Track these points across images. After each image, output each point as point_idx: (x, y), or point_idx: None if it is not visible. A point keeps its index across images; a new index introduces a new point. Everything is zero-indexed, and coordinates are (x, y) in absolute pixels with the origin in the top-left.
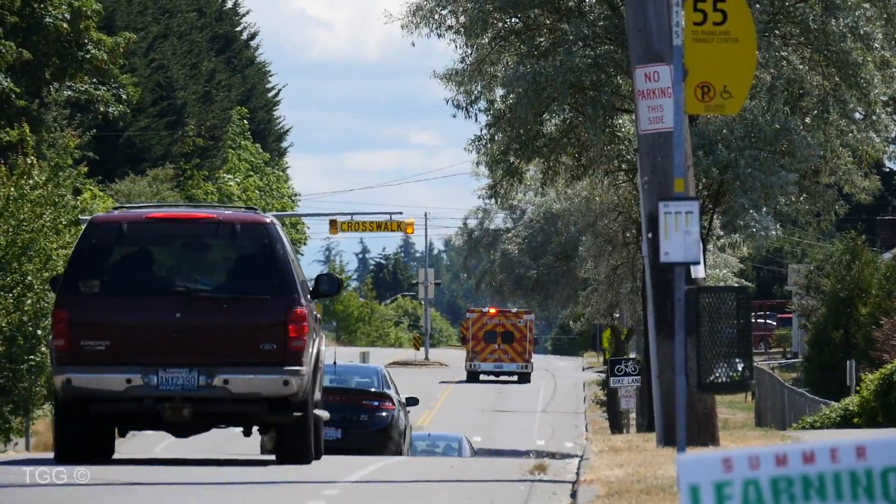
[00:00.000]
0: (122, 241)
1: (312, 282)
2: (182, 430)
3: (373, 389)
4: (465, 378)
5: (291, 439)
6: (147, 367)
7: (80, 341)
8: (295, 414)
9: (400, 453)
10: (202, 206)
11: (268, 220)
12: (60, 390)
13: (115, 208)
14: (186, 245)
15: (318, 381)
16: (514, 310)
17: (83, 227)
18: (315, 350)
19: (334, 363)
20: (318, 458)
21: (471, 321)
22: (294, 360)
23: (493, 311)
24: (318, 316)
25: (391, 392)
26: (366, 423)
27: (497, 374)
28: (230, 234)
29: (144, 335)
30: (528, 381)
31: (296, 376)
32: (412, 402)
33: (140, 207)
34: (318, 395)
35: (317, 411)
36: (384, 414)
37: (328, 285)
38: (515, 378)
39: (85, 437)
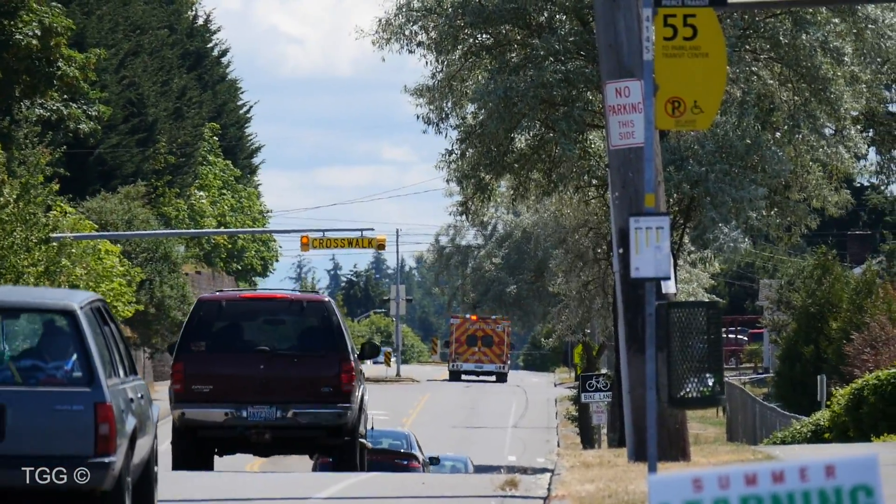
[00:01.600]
0: (221, 314)
1: (359, 347)
2: (264, 451)
3: (402, 451)
4: (438, 387)
5: (344, 458)
6: (239, 404)
7: (191, 385)
8: (346, 439)
9: None
10: (279, 290)
11: (326, 300)
12: (177, 420)
13: (217, 291)
14: (268, 317)
15: (362, 417)
16: (494, 316)
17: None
18: (360, 394)
19: (372, 428)
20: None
21: (454, 326)
22: (345, 400)
23: (474, 317)
24: (363, 370)
25: (417, 452)
26: None
27: (477, 373)
28: (300, 310)
29: (237, 381)
30: (505, 381)
31: (347, 411)
32: (434, 461)
33: (234, 290)
34: (362, 429)
35: (361, 440)
36: (415, 469)
37: (370, 351)
38: (493, 378)
39: (194, 455)
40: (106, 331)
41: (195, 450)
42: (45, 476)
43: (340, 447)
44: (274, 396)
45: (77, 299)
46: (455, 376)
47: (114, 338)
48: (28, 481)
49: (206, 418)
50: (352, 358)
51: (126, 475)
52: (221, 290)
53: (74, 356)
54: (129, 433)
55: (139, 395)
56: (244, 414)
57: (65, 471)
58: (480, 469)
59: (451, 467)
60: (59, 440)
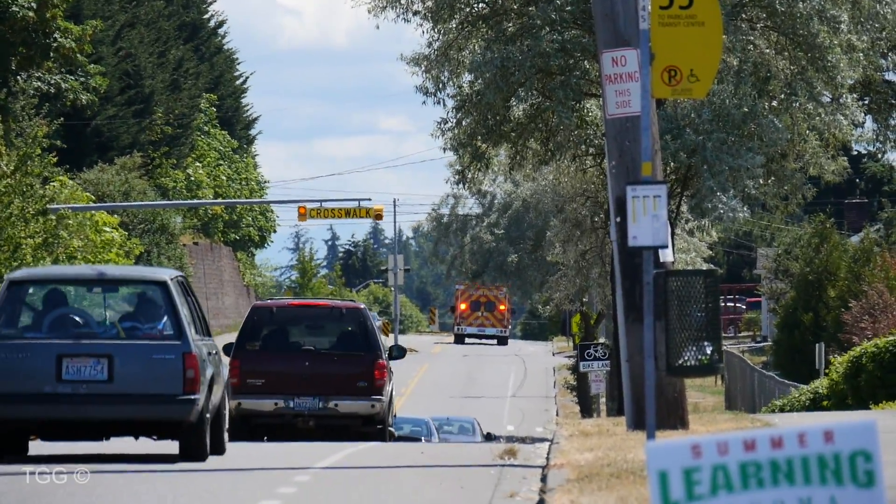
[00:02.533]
0: (272, 318)
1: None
2: (308, 437)
3: (422, 437)
4: (436, 357)
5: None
6: (287, 396)
7: (246, 380)
8: (378, 427)
9: None
10: (321, 298)
11: (362, 307)
12: (233, 410)
13: (268, 299)
14: (311, 321)
15: (391, 408)
16: (497, 284)
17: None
18: (390, 388)
19: (394, 415)
20: None
21: (459, 292)
22: (378, 393)
23: (477, 285)
24: (391, 368)
25: (435, 438)
26: None
27: (480, 336)
28: (339, 315)
29: (286, 376)
30: (506, 344)
31: (379, 403)
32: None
33: (284, 298)
34: (390, 418)
35: (389, 428)
36: None
37: (398, 352)
38: (495, 341)
39: (248, 440)
40: (189, 300)
41: (249, 436)
42: (144, 410)
43: (373, 434)
44: (317, 389)
45: (167, 273)
46: (459, 339)
47: (195, 305)
48: (131, 414)
49: (259, 408)
50: (383, 357)
51: (205, 412)
52: (272, 298)
53: (166, 318)
54: (208, 379)
55: (214, 352)
56: (291, 404)
57: (157, 407)
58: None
59: (459, 427)
60: (156, 382)
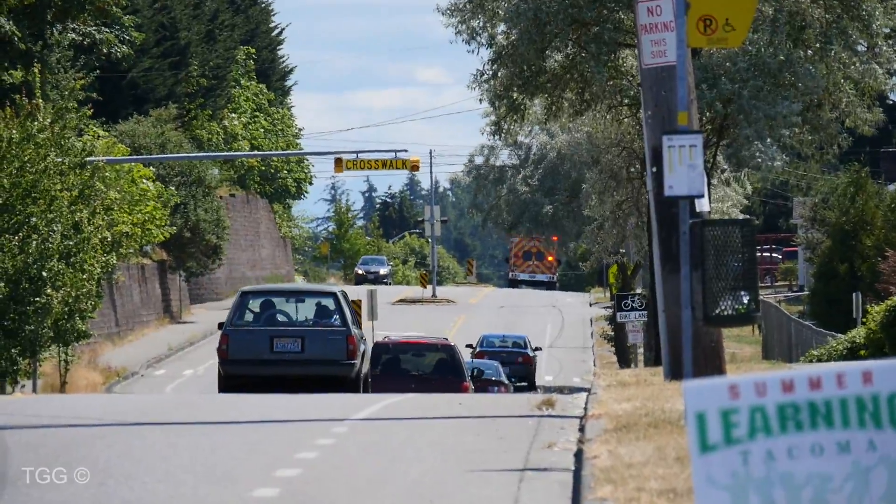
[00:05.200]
0: (387, 350)
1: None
2: None
3: (494, 378)
4: (474, 308)
5: None
6: None
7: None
8: None
9: None
10: (422, 336)
11: (453, 344)
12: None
13: (385, 337)
14: (416, 353)
15: None
16: (545, 236)
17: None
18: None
19: (472, 360)
20: None
21: (513, 244)
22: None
23: (529, 238)
24: (473, 386)
25: (503, 379)
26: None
27: (530, 282)
28: (436, 349)
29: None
30: (555, 289)
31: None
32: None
33: (397, 337)
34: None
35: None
36: (503, 393)
37: (477, 375)
38: (544, 286)
39: None
40: (349, 304)
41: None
42: (323, 369)
43: None
44: None
45: (336, 289)
46: (514, 284)
47: (351, 309)
48: (315, 372)
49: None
50: (468, 380)
51: (360, 373)
52: (388, 337)
53: (336, 315)
54: (360, 353)
55: (363, 337)
56: None
57: (332, 367)
58: (518, 388)
59: (513, 342)
60: (330, 352)
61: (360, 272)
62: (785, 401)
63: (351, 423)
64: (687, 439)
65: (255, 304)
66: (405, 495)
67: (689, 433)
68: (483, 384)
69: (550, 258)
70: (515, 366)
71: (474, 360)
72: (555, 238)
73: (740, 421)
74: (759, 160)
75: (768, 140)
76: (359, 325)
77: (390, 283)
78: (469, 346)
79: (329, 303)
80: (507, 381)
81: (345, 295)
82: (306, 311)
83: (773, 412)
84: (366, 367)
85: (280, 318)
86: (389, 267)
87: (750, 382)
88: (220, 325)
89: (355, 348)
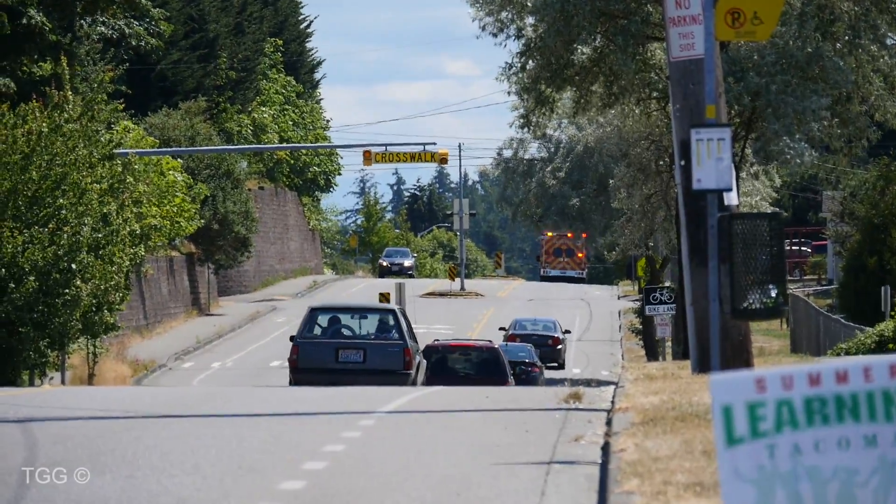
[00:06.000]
0: (437, 351)
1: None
2: None
3: (528, 361)
4: (502, 301)
5: None
6: None
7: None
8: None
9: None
10: (468, 339)
11: (496, 346)
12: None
13: (435, 340)
14: (463, 354)
15: None
16: (573, 234)
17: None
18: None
19: (506, 344)
20: None
21: (544, 241)
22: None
23: (560, 234)
24: (514, 383)
25: (537, 360)
26: (530, 377)
27: (561, 278)
28: (481, 349)
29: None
30: (585, 283)
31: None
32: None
33: (446, 340)
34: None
35: None
36: (536, 373)
37: (518, 376)
38: (575, 282)
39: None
40: (406, 320)
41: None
42: (383, 378)
43: None
44: None
45: (395, 307)
46: (546, 279)
47: (409, 324)
48: (376, 381)
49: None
50: (510, 379)
51: (416, 382)
52: (437, 340)
53: (394, 330)
54: (416, 364)
55: (419, 350)
56: None
57: (391, 376)
58: (546, 381)
59: (544, 326)
60: (389, 363)
61: (384, 264)
62: (811, 394)
63: (378, 416)
64: (714, 433)
65: (322, 320)
66: (432, 488)
67: (715, 426)
68: (525, 365)
69: (580, 255)
70: (546, 348)
71: (508, 343)
72: (584, 235)
73: (767, 414)
74: (788, 156)
75: (797, 136)
76: (415, 338)
77: (414, 276)
78: (502, 328)
79: (388, 319)
80: (539, 363)
81: (403, 312)
82: (368, 326)
83: (799, 406)
84: (421, 377)
85: (345, 331)
86: (414, 258)
87: (776, 376)
88: (292, 338)
89: (411, 359)
